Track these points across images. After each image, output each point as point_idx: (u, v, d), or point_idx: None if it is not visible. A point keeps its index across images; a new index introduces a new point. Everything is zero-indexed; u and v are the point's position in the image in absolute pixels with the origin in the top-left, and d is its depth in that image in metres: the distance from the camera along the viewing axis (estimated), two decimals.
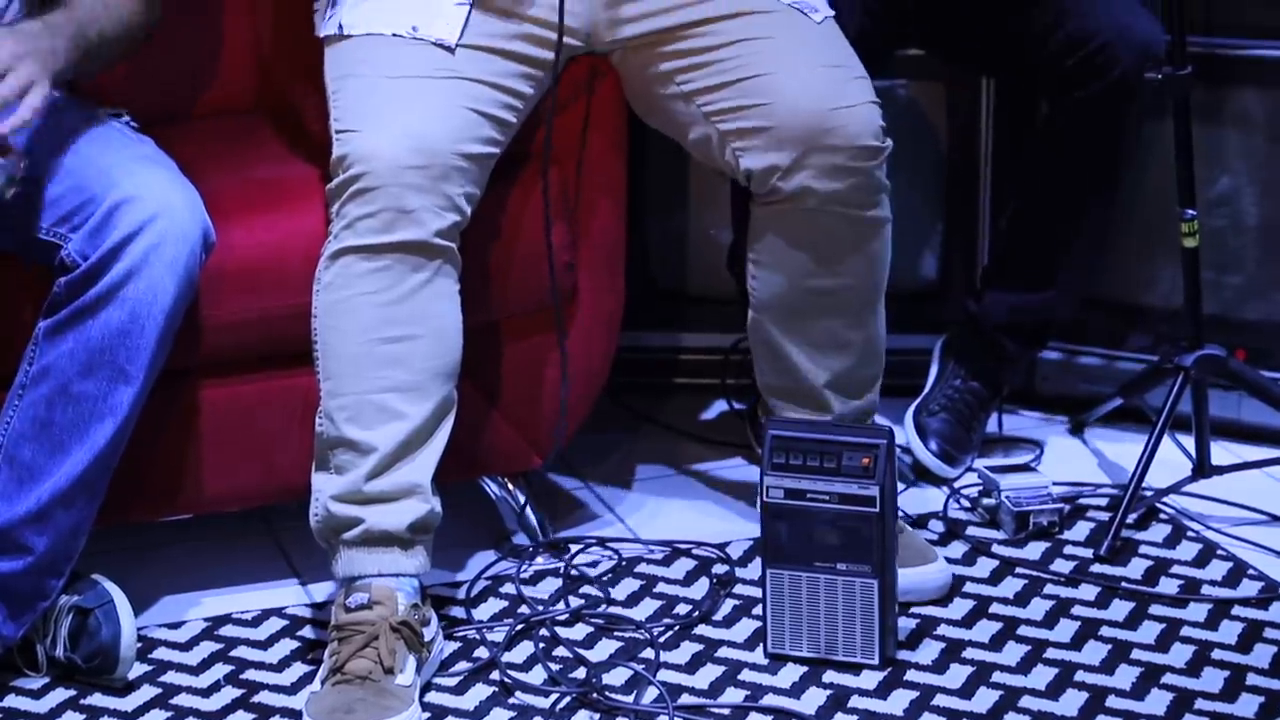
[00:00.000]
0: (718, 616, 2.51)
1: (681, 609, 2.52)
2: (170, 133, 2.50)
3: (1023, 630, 2.45)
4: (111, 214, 2.23)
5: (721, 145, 2.49)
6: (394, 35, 2.41)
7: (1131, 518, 2.67)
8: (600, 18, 2.49)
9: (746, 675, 2.37)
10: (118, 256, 2.22)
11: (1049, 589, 2.55)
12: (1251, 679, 2.33)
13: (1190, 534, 2.68)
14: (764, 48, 2.45)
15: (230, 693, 2.36)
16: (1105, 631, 2.45)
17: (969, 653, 2.41)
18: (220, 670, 2.40)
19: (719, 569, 2.62)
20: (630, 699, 2.31)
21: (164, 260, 2.24)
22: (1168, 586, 2.55)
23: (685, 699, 2.32)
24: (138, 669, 2.38)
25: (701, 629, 2.48)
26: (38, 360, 2.26)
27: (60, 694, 2.34)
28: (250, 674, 2.40)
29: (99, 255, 2.22)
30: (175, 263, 2.24)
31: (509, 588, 2.57)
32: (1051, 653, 2.40)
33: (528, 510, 2.69)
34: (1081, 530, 2.70)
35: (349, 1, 2.46)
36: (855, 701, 2.30)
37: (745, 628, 2.48)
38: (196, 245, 2.27)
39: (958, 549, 2.66)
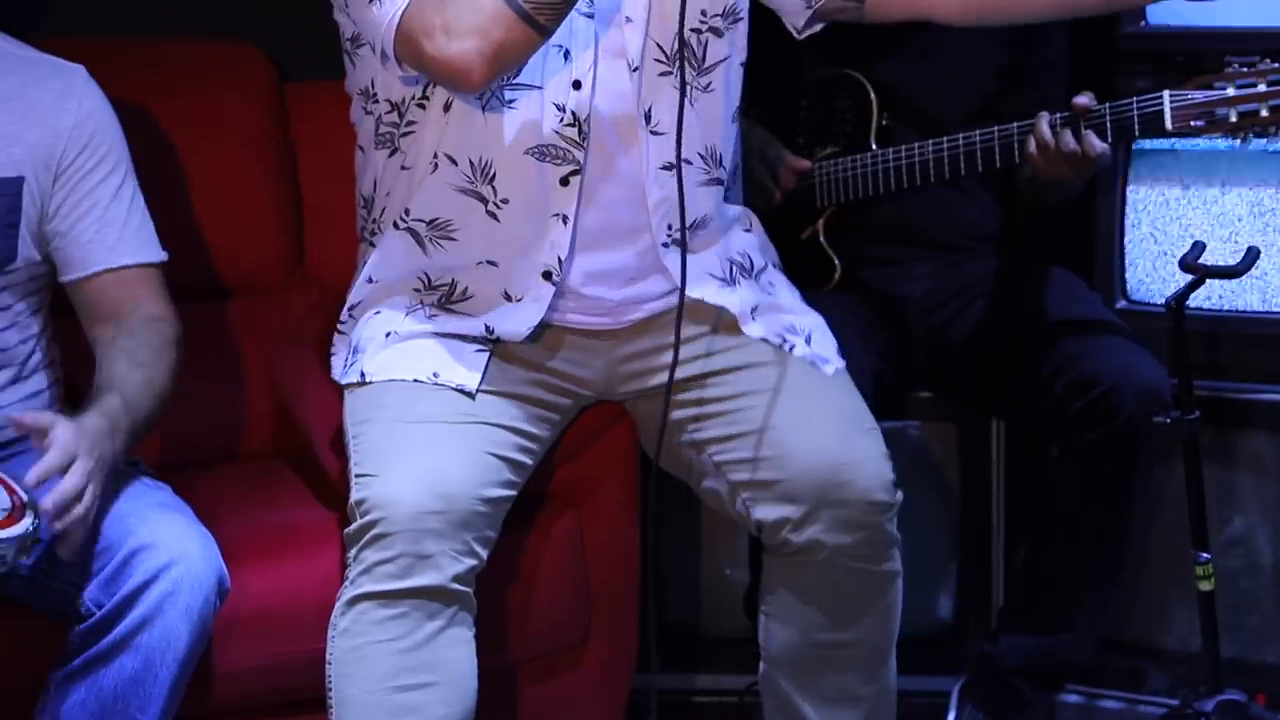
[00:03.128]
0: None
1: None
2: (187, 479, 2.53)
3: None
4: (127, 562, 2.23)
5: (732, 496, 2.50)
6: (415, 381, 2.45)
7: None
8: (616, 371, 2.53)
9: None
10: (133, 604, 2.22)
11: None
12: None
13: None
14: (775, 400, 2.48)
15: None
16: None
17: None
18: None
19: None
20: None
21: (179, 608, 2.23)
22: None
23: None
24: None
25: None
26: (49, 710, 2.24)
27: None
28: None
29: (114, 603, 2.22)
30: (190, 610, 2.24)
31: None
32: None
33: None
34: None
35: (370, 349, 2.50)
36: None
37: None
38: (211, 592, 2.27)
39: None
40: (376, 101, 2.48)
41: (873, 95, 2.92)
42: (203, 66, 2.93)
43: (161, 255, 2.51)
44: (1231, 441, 2.92)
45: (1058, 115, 2.67)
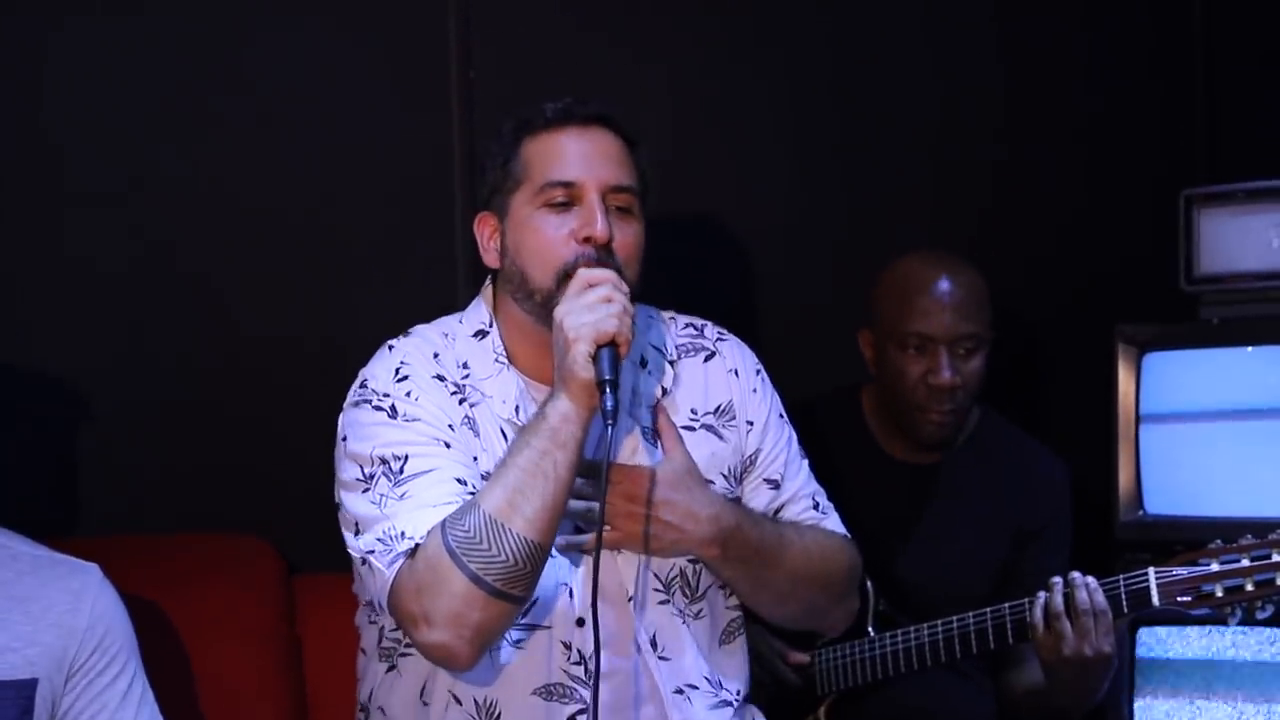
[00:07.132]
0: None
1: None
2: None
3: None
4: None
5: None
6: None
7: None
8: None
9: None
10: None
11: None
12: None
13: None
14: None
15: None
16: None
17: None
18: None
19: None
20: None
21: None
22: None
23: None
24: None
25: None
26: None
27: None
28: None
29: None
30: None
31: None
32: None
33: None
34: None
35: None
36: None
37: None
38: None
39: None
40: (383, 613, 2.43)
41: (869, 582, 2.94)
42: (212, 561, 2.94)
43: None
44: None
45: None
